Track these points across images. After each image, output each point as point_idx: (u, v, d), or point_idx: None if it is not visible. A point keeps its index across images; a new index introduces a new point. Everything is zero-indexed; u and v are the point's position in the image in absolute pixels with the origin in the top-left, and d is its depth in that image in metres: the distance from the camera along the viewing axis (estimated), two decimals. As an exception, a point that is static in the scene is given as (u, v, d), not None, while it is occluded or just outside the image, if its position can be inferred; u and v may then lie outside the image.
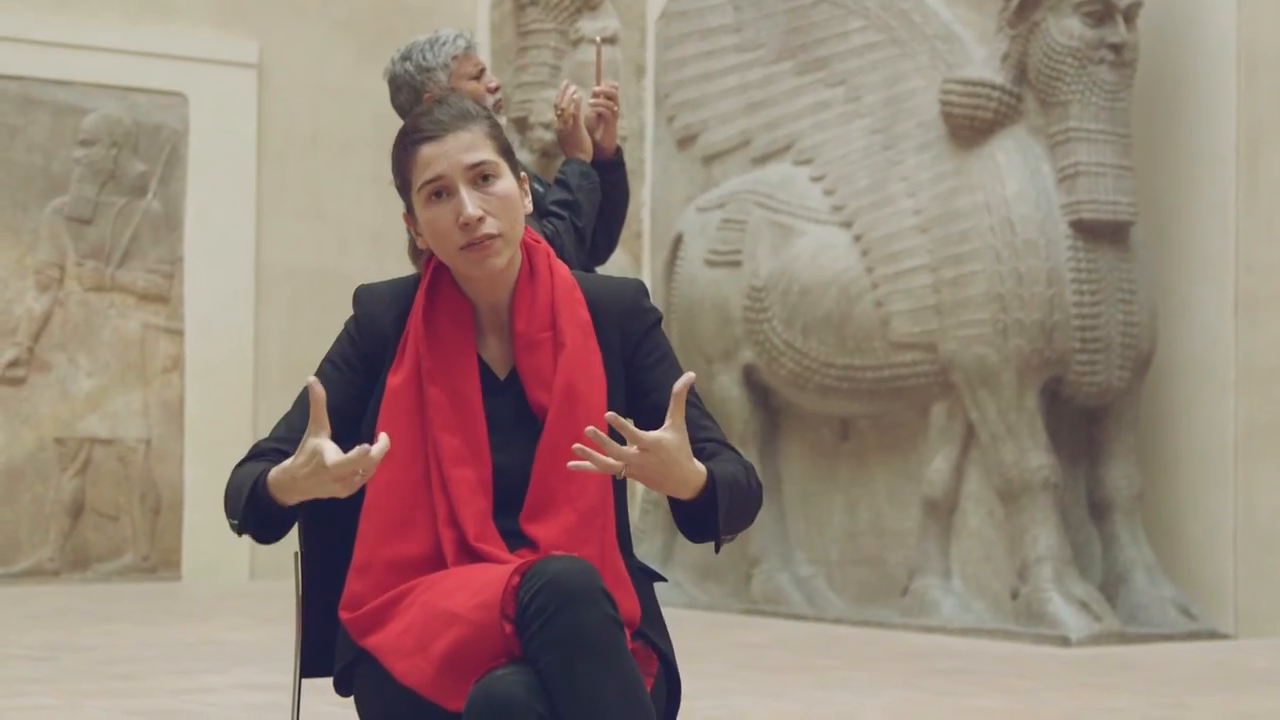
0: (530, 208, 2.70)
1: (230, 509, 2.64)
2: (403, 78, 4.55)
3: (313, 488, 2.48)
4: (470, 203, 2.60)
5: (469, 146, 2.62)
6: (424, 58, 4.54)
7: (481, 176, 2.62)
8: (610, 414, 2.46)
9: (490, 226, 2.60)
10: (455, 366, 2.64)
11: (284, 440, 2.65)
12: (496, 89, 4.63)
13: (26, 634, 7.67)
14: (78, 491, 10.30)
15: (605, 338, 2.68)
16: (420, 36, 4.63)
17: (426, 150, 2.62)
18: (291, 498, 2.53)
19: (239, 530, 2.62)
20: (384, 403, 2.64)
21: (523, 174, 2.71)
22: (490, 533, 2.59)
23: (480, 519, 2.59)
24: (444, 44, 4.56)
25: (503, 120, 4.66)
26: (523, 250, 2.69)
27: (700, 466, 2.53)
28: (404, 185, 2.66)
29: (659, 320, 2.73)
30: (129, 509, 10.43)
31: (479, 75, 4.59)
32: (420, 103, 4.45)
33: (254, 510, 2.57)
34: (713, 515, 2.55)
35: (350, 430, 2.67)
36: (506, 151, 2.67)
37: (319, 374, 2.68)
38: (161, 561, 10.50)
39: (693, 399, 2.66)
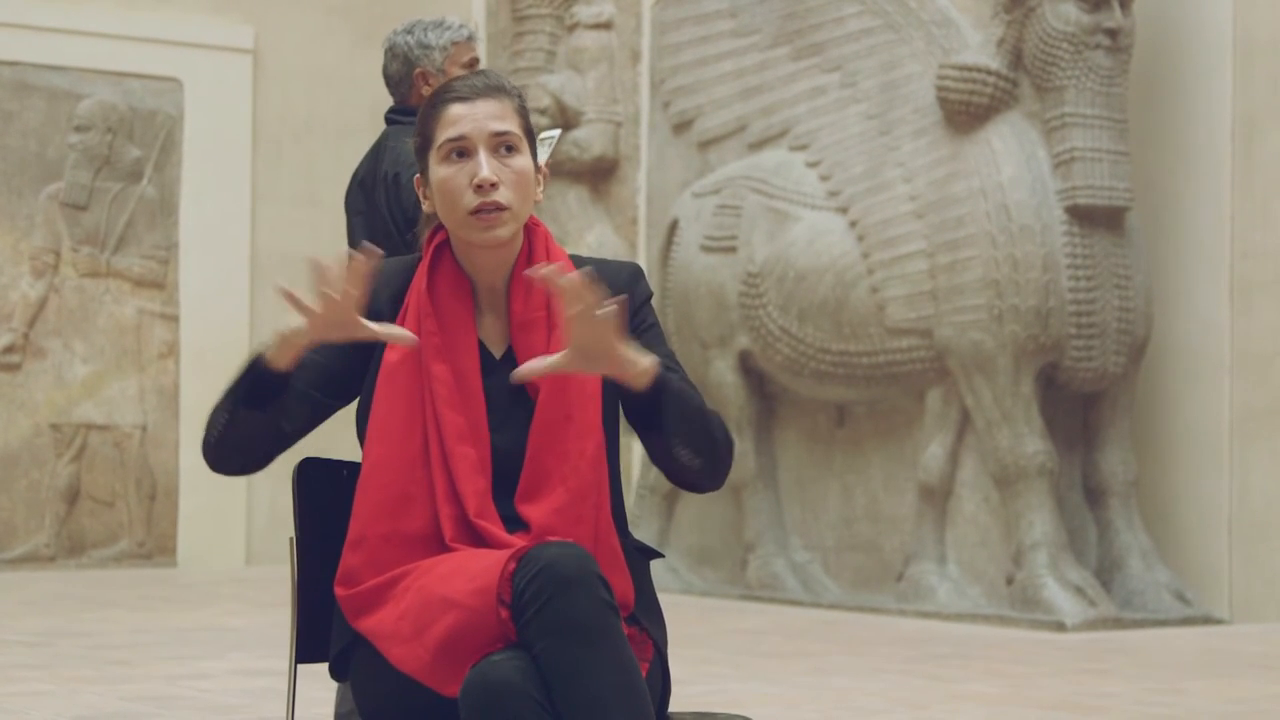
0: (541, 196, 2.72)
1: (211, 420, 2.64)
2: (400, 48, 4.61)
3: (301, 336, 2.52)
4: (487, 165, 2.63)
5: (497, 115, 2.65)
6: (425, 35, 4.61)
7: (504, 146, 2.65)
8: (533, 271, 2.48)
9: (502, 196, 2.63)
10: (457, 343, 2.66)
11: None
12: None
13: (22, 620, 7.68)
14: (73, 478, 10.30)
15: (601, 319, 2.69)
16: (428, 17, 4.70)
17: (455, 109, 2.65)
18: (283, 355, 2.55)
19: (217, 427, 2.61)
20: (380, 377, 2.65)
21: (541, 163, 2.73)
22: (489, 510, 2.60)
23: (480, 496, 2.60)
24: (447, 28, 4.63)
25: None
26: (523, 232, 2.71)
27: (652, 360, 2.54)
28: (425, 144, 2.69)
29: (649, 297, 2.75)
30: (124, 495, 10.43)
31: (471, 66, 4.64)
32: (411, 76, 4.53)
33: (246, 382, 2.57)
34: (656, 404, 2.55)
35: (336, 391, 2.69)
36: (529, 133, 2.70)
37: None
38: (157, 547, 10.50)
39: (670, 363, 2.69)
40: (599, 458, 2.63)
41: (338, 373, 2.69)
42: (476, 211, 2.63)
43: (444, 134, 2.65)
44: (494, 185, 2.62)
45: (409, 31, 4.64)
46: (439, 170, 2.65)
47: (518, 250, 2.70)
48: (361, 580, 2.60)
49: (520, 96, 2.71)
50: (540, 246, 2.72)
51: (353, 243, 4.46)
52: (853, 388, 8.47)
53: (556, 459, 2.60)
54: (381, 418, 2.64)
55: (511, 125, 2.66)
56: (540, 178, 2.72)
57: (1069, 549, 7.77)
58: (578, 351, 2.49)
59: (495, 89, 2.67)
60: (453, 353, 2.65)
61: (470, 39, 4.66)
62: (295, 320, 2.55)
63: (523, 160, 2.66)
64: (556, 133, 4.52)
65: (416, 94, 4.54)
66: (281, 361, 2.57)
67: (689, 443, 2.59)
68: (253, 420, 2.60)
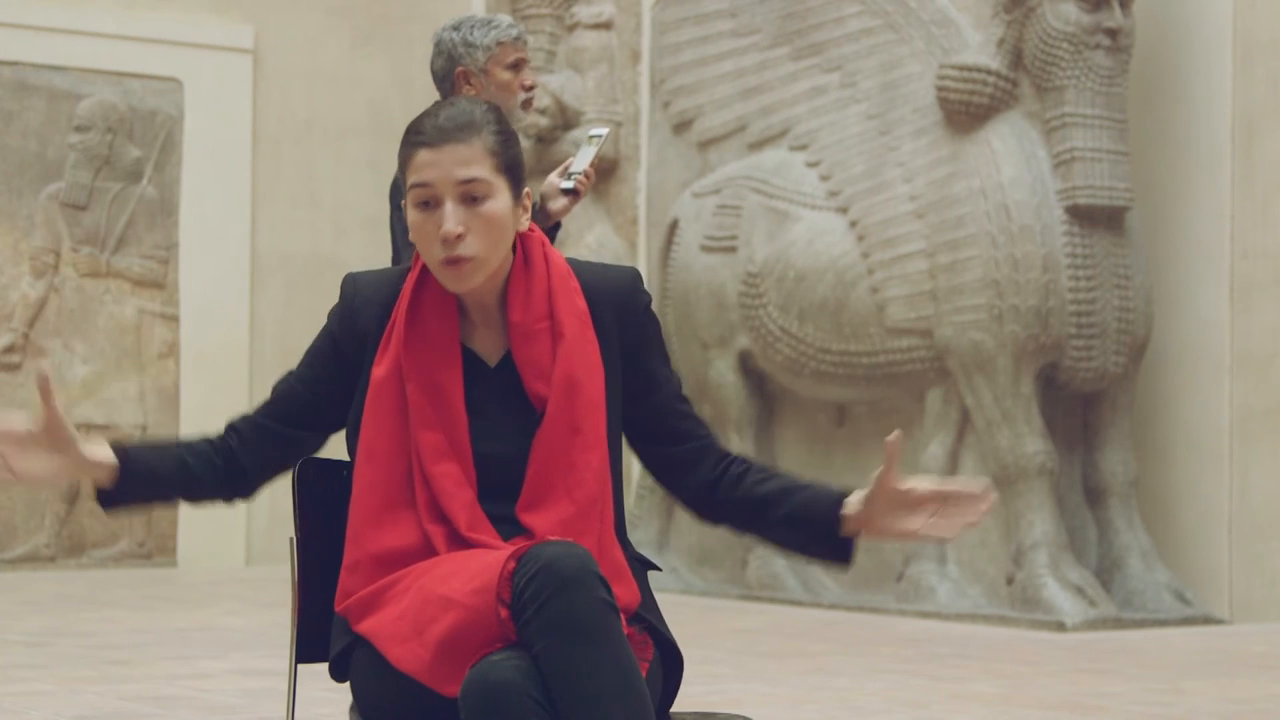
0: (526, 225, 2.67)
1: None
2: (445, 44, 4.60)
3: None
4: (452, 219, 2.56)
5: (464, 161, 2.57)
6: (471, 33, 4.58)
7: (471, 195, 2.58)
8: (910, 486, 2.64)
9: (468, 247, 2.57)
10: (435, 360, 2.63)
11: (243, 420, 2.70)
12: (531, 87, 4.65)
13: (23, 620, 7.68)
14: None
15: (602, 326, 2.68)
16: (479, 15, 4.69)
17: (422, 155, 2.59)
18: (94, 478, 2.60)
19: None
20: (369, 397, 2.64)
21: (526, 190, 2.67)
22: (481, 521, 2.59)
23: (469, 509, 2.59)
24: (494, 27, 4.61)
25: (527, 119, 4.69)
26: (517, 240, 2.68)
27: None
28: (401, 179, 2.67)
29: (648, 304, 2.73)
30: (125, 495, 10.42)
31: (516, 67, 4.60)
32: (453, 74, 4.50)
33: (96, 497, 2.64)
34: (851, 547, 2.72)
35: (318, 420, 2.70)
36: (509, 169, 2.62)
37: (301, 364, 2.71)
38: (157, 548, 10.51)
39: (678, 392, 2.71)
40: (604, 470, 2.62)
41: (312, 404, 2.69)
42: (446, 263, 2.58)
43: (411, 179, 2.60)
44: (459, 238, 2.57)
45: (456, 28, 4.61)
46: (411, 214, 2.61)
47: (511, 262, 2.67)
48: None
49: (497, 130, 2.61)
50: (537, 253, 2.69)
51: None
52: (853, 388, 8.47)
53: (563, 471, 2.59)
54: (369, 439, 2.63)
55: (480, 170, 2.57)
56: (525, 204, 2.68)
57: (1069, 549, 7.77)
58: (877, 510, 2.65)
59: (464, 129, 2.58)
60: (430, 369, 2.62)
61: (518, 39, 4.60)
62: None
63: (492, 205, 2.58)
64: (605, 131, 4.47)
65: (458, 93, 4.49)
66: (100, 481, 2.60)
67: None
68: (142, 503, 2.67)
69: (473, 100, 2.67)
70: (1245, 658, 6.79)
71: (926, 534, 2.65)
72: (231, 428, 2.69)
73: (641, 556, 2.74)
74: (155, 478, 2.62)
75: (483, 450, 2.62)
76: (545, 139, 10.05)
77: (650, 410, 2.70)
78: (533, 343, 2.64)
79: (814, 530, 2.68)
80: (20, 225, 10.31)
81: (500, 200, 2.59)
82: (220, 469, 2.66)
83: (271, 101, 11.00)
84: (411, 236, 2.62)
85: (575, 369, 2.62)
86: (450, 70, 4.56)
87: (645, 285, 2.78)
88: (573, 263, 2.73)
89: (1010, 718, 5.29)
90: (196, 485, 2.66)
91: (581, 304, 2.67)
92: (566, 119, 10.17)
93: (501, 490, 2.61)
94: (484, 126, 2.60)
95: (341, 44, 11.21)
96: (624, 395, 2.70)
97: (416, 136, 2.61)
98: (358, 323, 2.68)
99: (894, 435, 2.57)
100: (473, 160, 2.58)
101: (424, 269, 2.68)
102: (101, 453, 2.57)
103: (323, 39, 11.17)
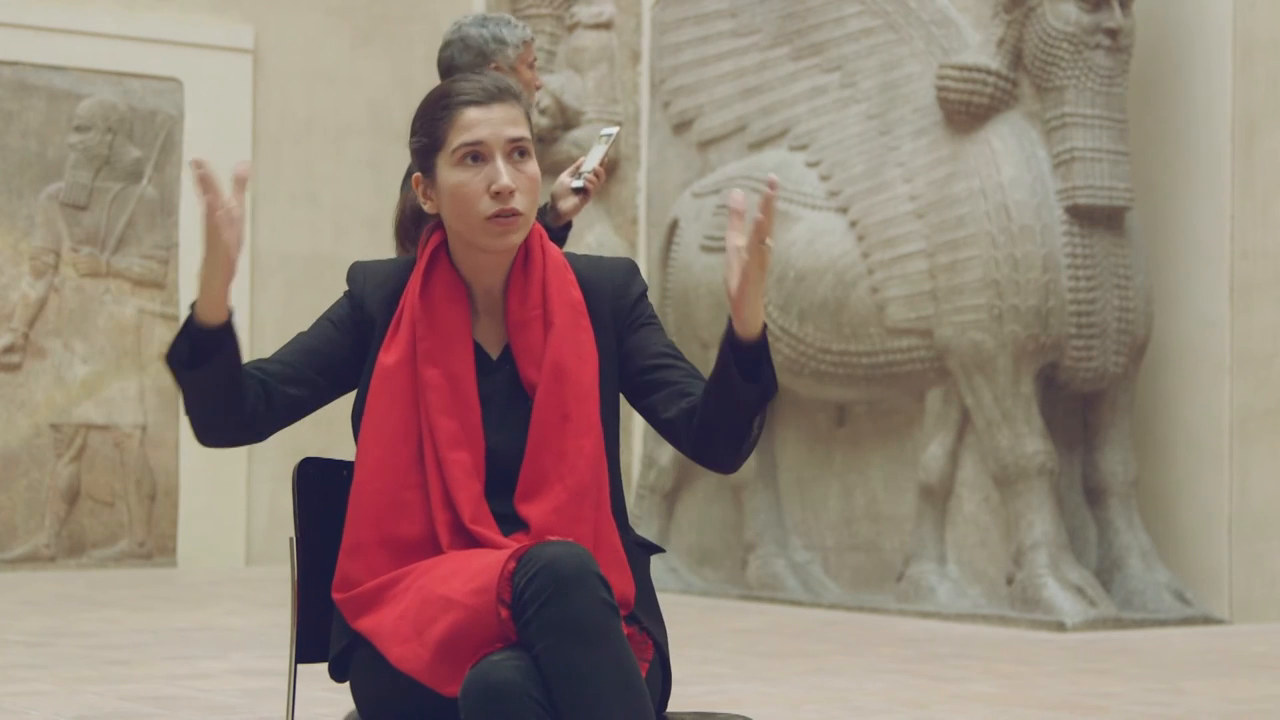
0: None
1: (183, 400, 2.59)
2: (475, 41, 4.68)
3: (209, 262, 2.45)
4: (506, 173, 2.62)
5: (513, 120, 2.65)
6: (500, 31, 4.70)
7: (519, 151, 2.65)
8: (771, 181, 2.43)
9: (518, 202, 2.63)
10: (451, 347, 2.66)
11: (265, 360, 2.66)
12: (539, 87, 4.84)
13: (22, 620, 7.68)
14: (73, 478, 10.30)
15: (598, 315, 2.70)
16: (490, 14, 4.80)
17: (472, 113, 2.64)
18: (205, 305, 2.48)
19: (173, 372, 2.55)
20: (375, 381, 2.65)
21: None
22: (484, 515, 2.60)
23: (475, 502, 2.60)
24: (516, 26, 4.74)
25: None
26: None
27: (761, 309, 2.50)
28: (431, 145, 2.67)
29: (644, 292, 2.75)
30: (125, 495, 10.43)
31: (532, 66, 4.72)
32: (484, 68, 4.56)
33: (183, 336, 2.51)
34: (766, 357, 2.49)
35: (332, 382, 2.68)
36: (533, 137, 2.71)
37: (316, 325, 2.70)
38: (157, 548, 10.50)
39: (660, 350, 2.68)
40: (598, 456, 2.63)
41: (333, 359, 2.69)
42: (493, 217, 2.62)
43: (460, 138, 2.63)
44: (512, 193, 2.62)
45: (482, 25, 4.70)
46: (452, 174, 2.64)
47: (515, 251, 2.70)
48: (359, 585, 2.60)
49: (525, 99, 2.72)
50: (535, 245, 2.72)
51: None
52: (853, 388, 8.47)
53: (554, 458, 2.60)
54: (376, 422, 2.63)
55: (524, 130, 2.66)
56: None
57: (1069, 549, 7.77)
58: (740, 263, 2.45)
59: (506, 92, 2.67)
60: (446, 356, 2.65)
61: (532, 40, 4.76)
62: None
63: (533, 165, 2.67)
64: (615, 130, 4.51)
65: None
66: (210, 313, 2.49)
67: (759, 407, 2.54)
68: (207, 381, 2.53)
69: (496, 73, 2.73)
70: (1245, 658, 6.79)
71: (753, 264, 2.47)
72: (254, 365, 2.64)
73: (644, 541, 2.75)
74: (236, 349, 2.54)
75: (490, 442, 2.63)
76: (545, 139, 10.05)
77: (625, 378, 2.71)
78: (527, 331, 2.67)
79: (722, 367, 2.52)
80: (20, 225, 10.31)
81: (535, 161, 2.69)
82: (256, 387, 2.60)
83: (271, 101, 11.01)
84: (453, 197, 2.64)
85: (564, 356, 2.63)
86: (481, 66, 4.62)
87: (645, 277, 2.79)
88: (570, 256, 2.76)
89: (1010, 718, 5.29)
90: (243, 388, 2.57)
91: (576, 294, 2.69)
92: (566, 119, 10.17)
93: (505, 485, 2.62)
94: (520, 93, 2.70)
95: (341, 44, 11.21)
96: (615, 365, 2.71)
97: (460, 98, 2.65)
98: (366, 307, 2.69)
99: (735, 194, 2.49)
100: (519, 120, 2.67)
101: (431, 257, 2.68)
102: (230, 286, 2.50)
103: (323, 39, 11.17)
